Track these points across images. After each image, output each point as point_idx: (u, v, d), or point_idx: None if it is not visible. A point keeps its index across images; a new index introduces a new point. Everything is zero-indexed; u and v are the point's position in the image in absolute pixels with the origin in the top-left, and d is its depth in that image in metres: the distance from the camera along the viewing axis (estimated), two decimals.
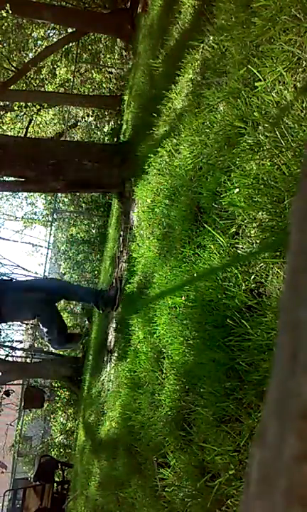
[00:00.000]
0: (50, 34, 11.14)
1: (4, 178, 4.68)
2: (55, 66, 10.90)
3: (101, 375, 4.70)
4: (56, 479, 7.29)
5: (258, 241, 1.36)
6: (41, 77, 10.97)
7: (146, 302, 2.57)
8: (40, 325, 3.73)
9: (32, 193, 13.37)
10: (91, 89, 11.23)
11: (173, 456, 1.68)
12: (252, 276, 1.35)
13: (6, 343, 12.94)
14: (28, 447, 13.55)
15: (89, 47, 10.52)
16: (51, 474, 7.07)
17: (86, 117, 11.43)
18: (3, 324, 10.92)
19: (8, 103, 10.63)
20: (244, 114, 1.53)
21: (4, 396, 9.98)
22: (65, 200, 11.69)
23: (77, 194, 10.92)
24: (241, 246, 1.46)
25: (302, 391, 0.22)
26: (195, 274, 1.75)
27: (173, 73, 2.70)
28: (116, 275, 4.05)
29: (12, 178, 4.60)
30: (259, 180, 1.36)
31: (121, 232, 4.92)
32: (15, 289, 3.67)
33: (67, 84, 11.26)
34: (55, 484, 7.02)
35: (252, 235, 1.40)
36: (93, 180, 4.64)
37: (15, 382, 10.08)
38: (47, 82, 11.18)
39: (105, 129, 10.90)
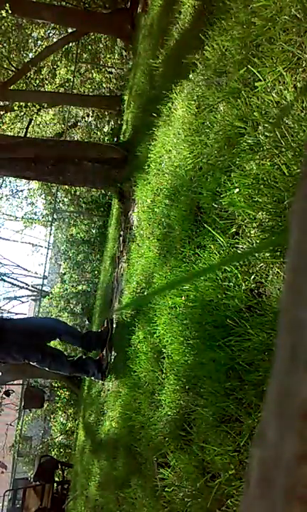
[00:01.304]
0: (50, 34, 11.14)
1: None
2: (55, 66, 10.89)
3: None
4: (56, 479, 7.28)
5: (258, 241, 1.36)
6: (41, 77, 10.97)
7: (145, 302, 2.57)
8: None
9: (32, 193, 13.39)
10: (91, 89, 11.23)
11: (173, 456, 1.68)
12: (252, 276, 1.35)
13: None
14: (28, 447, 13.55)
15: (89, 47, 10.52)
16: (51, 474, 7.06)
17: (86, 117, 11.43)
18: None
19: (8, 103, 10.62)
20: (244, 114, 1.53)
21: (4, 396, 9.97)
22: (65, 200, 11.69)
23: (77, 194, 10.92)
24: (241, 246, 1.46)
25: (302, 391, 0.22)
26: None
27: (173, 73, 2.70)
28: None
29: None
30: (259, 180, 1.36)
31: (121, 232, 4.92)
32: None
33: (67, 84, 11.26)
34: (55, 484, 7.01)
35: (252, 235, 1.40)
36: (93, 179, 4.65)
37: (15, 382, 10.07)
38: (47, 82, 11.18)
39: (105, 129, 10.90)
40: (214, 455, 1.32)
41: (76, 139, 12.01)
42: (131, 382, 2.66)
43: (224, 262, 1.48)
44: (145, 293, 2.74)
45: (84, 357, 3.85)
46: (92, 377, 3.94)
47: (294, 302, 0.25)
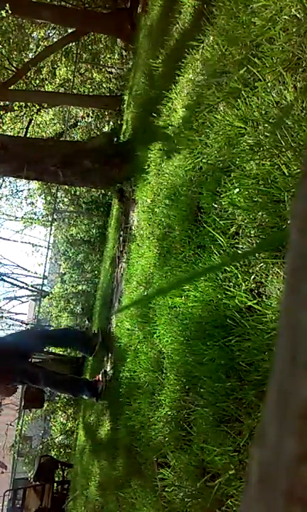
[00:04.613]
0: (50, 34, 11.14)
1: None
2: (55, 66, 10.90)
3: None
4: (56, 479, 7.27)
5: (258, 241, 1.36)
6: (41, 77, 10.97)
7: (145, 302, 2.57)
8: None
9: (32, 193, 13.38)
10: (91, 89, 11.23)
11: (173, 456, 1.68)
12: (252, 276, 1.35)
13: None
14: (28, 447, 13.53)
15: (89, 47, 10.52)
16: (51, 474, 7.05)
17: (86, 117, 11.43)
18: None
19: (8, 103, 10.62)
20: (244, 114, 1.53)
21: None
22: (65, 200, 11.69)
23: (77, 194, 10.92)
24: (241, 246, 1.46)
25: (302, 391, 0.22)
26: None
27: (173, 73, 2.70)
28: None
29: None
30: (259, 181, 1.36)
31: (121, 232, 4.91)
32: None
33: (67, 84, 11.26)
34: (55, 484, 7.00)
35: (252, 235, 1.40)
36: (93, 179, 4.65)
37: None
38: (47, 82, 11.18)
39: (105, 129, 10.90)
40: (214, 455, 1.32)
41: (76, 139, 12.01)
42: (131, 382, 2.66)
43: (225, 263, 1.48)
44: (145, 293, 2.74)
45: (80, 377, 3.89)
46: (84, 396, 3.95)
47: (294, 303, 0.25)
